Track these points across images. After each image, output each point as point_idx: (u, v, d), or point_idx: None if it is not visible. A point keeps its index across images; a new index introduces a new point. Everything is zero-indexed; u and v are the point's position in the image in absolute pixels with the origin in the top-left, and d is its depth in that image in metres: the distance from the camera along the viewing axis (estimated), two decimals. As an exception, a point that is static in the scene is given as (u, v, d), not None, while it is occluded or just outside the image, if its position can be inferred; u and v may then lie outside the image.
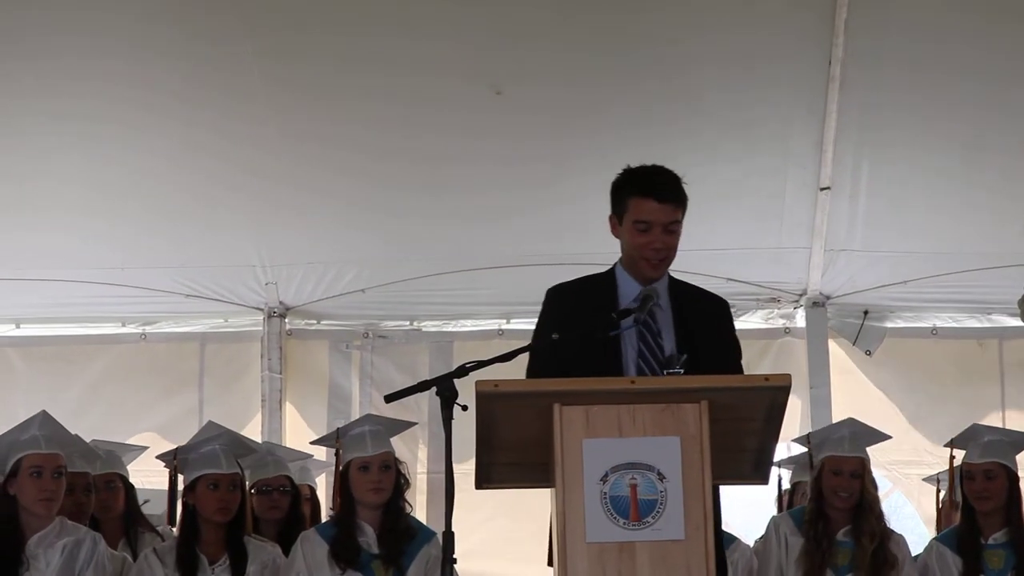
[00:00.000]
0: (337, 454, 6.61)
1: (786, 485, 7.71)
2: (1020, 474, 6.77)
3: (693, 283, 5.39)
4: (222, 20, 7.33)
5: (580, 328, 4.91)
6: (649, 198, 5.04)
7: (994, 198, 7.92)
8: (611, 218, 5.17)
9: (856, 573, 6.63)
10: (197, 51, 7.47)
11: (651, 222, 5.05)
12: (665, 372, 4.78)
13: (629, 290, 5.13)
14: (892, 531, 6.79)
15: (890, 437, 7.31)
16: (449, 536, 4.56)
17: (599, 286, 5.21)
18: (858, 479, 6.70)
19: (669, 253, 5.10)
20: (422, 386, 4.64)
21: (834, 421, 8.72)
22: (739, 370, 5.16)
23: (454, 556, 4.56)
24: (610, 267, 5.23)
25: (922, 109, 7.78)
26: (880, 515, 6.75)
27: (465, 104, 7.70)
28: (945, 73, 7.49)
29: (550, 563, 5.05)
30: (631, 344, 5.09)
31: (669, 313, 5.16)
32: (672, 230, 5.09)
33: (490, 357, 4.68)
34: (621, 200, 5.12)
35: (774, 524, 7.00)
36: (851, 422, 6.91)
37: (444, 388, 4.53)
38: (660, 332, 5.10)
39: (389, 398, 4.91)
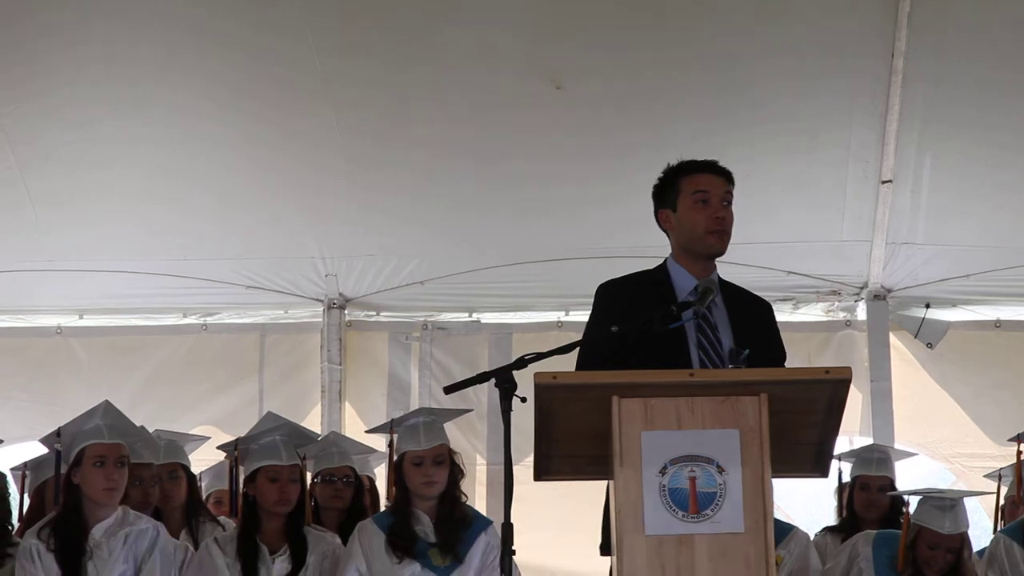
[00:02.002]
0: (391, 445, 6.66)
1: (846, 478, 7.70)
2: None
3: (750, 276, 5.41)
4: (285, 16, 7.38)
5: (639, 322, 4.93)
6: (704, 172, 5.14)
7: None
8: (659, 213, 5.22)
9: None
10: (261, 46, 7.52)
11: (709, 191, 5.10)
12: (730, 366, 4.82)
13: (684, 283, 5.14)
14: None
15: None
16: (508, 527, 4.57)
17: (653, 281, 5.23)
18: (954, 554, 6.56)
19: (728, 226, 5.13)
20: (481, 378, 4.65)
21: (897, 422, 8.75)
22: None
23: (513, 548, 4.56)
24: (660, 263, 5.25)
25: (985, 102, 7.74)
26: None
27: (525, 98, 7.72)
28: (1008, 66, 7.46)
29: (603, 553, 5.08)
30: (691, 338, 5.11)
31: (724, 310, 5.19)
32: (728, 202, 5.14)
33: (549, 349, 4.70)
34: (673, 186, 5.18)
35: (854, 543, 6.94)
36: (961, 508, 6.70)
37: (503, 380, 4.55)
38: (717, 327, 5.12)
39: (448, 389, 4.91)
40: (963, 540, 6.61)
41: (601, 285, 5.29)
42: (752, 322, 5.19)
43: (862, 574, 6.78)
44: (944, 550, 6.55)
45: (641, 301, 5.07)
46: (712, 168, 5.16)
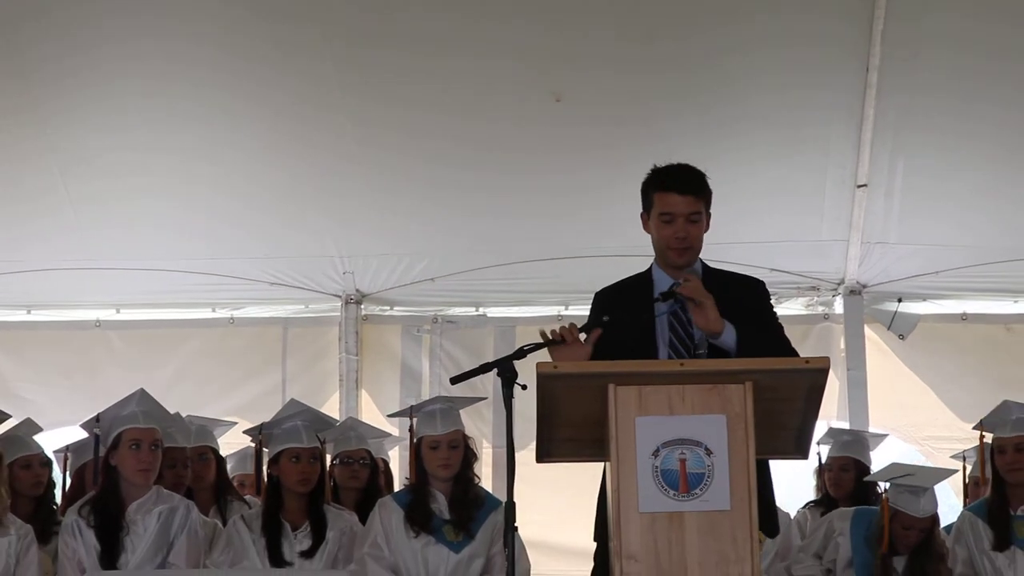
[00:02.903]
0: (411, 429, 6.67)
1: (825, 459, 7.71)
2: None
3: (741, 274, 5.40)
4: (306, 34, 7.40)
5: (623, 315, 4.97)
6: (671, 192, 5.09)
7: (1021, 194, 7.87)
8: (642, 216, 5.22)
9: None
10: (285, 63, 7.54)
11: (674, 213, 5.08)
12: (695, 353, 4.90)
13: (663, 284, 5.15)
14: (948, 569, 6.71)
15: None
16: (511, 506, 4.60)
17: (637, 283, 5.26)
18: (925, 532, 6.61)
19: (693, 242, 5.12)
20: (484, 368, 4.67)
21: (870, 407, 8.76)
22: (783, 340, 5.15)
23: (516, 525, 4.57)
24: (648, 267, 5.27)
25: (953, 112, 7.74)
26: (942, 558, 6.68)
27: (527, 112, 7.73)
28: (975, 79, 7.45)
29: (595, 538, 5.09)
30: (662, 333, 5.13)
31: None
32: (694, 220, 5.12)
33: (539, 341, 4.75)
34: (648, 197, 5.18)
35: (831, 520, 6.98)
36: (931, 492, 6.73)
37: (504, 369, 4.57)
38: (691, 321, 5.10)
39: (454, 380, 4.95)
40: (934, 519, 6.64)
41: (596, 292, 5.33)
42: (734, 305, 5.17)
43: (839, 548, 6.79)
44: (917, 530, 6.58)
45: (625, 302, 5.13)
46: (681, 187, 5.09)
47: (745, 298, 5.23)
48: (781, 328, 5.26)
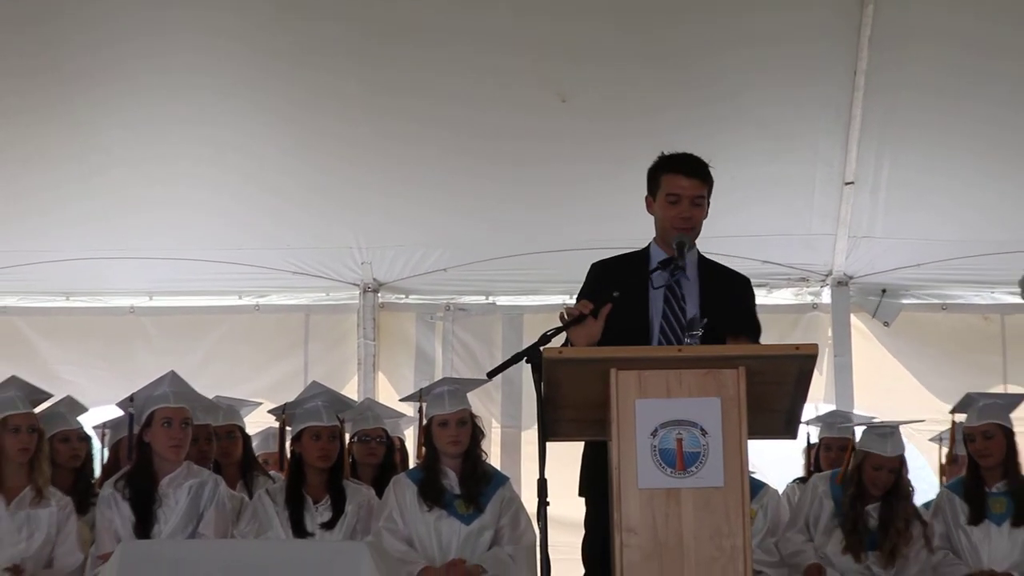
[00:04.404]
0: (421, 410, 6.67)
1: (814, 440, 7.73)
2: (1018, 429, 6.76)
3: (728, 264, 5.42)
4: (327, 34, 7.37)
5: (620, 287, 4.98)
6: (679, 174, 5.14)
7: (999, 193, 7.85)
8: (647, 198, 5.25)
9: (882, 547, 6.65)
10: (309, 64, 7.52)
11: (680, 195, 5.13)
12: (686, 334, 4.86)
13: (657, 261, 5.17)
14: (915, 509, 6.76)
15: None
16: (543, 483, 4.54)
17: (636, 258, 5.29)
18: (895, 473, 6.69)
19: (695, 223, 5.18)
20: (516, 358, 4.64)
21: (856, 390, 8.77)
22: (755, 341, 5.15)
23: (547, 500, 4.55)
24: (645, 245, 5.30)
25: (936, 114, 7.73)
26: (908, 496, 6.75)
27: (535, 111, 7.72)
28: (958, 82, 7.43)
29: (580, 494, 5.13)
30: (657, 308, 5.15)
31: (696, 285, 5.21)
32: (698, 203, 5.16)
33: (560, 325, 4.74)
34: (655, 179, 5.21)
35: (813, 484, 7.02)
36: (898, 435, 6.84)
37: (533, 356, 4.55)
38: (685, 298, 5.15)
39: (491, 374, 4.90)
40: (901, 461, 6.72)
41: (594, 263, 5.37)
42: (722, 296, 5.20)
43: (822, 504, 6.83)
44: (887, 470, 6.66)
45: (622, 275, 5.13)
46: (688, 170, 5.15)
47: (731, 292, 5.26)
48: (758, 328, 5.28)
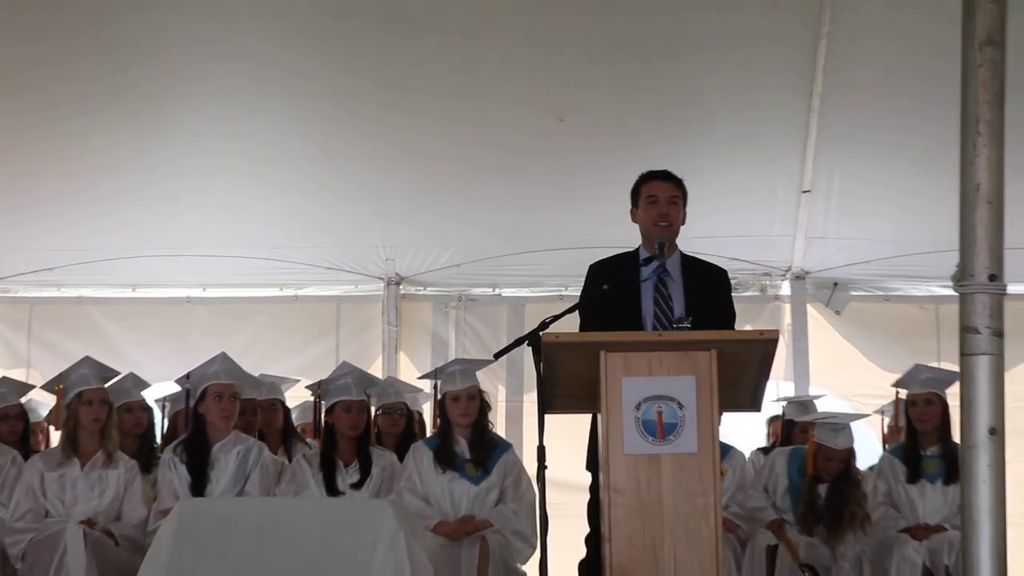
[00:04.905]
0: (436, 387, 6.67)
1: (777, 412, 7.76)
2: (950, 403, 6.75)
3: (710, 262, 5.44)
4: (351, 60, 7.35)
5: (617, 281, 5.01)
6: (657, 180, 5.27)
7: (932, 200, 7.79)
8: (631, 211, 5.34)
9: (833, 526, 6.62)
10: (334, 81, 7.50)
11: (658, 196, 5.22)
12: (675, 326, 4.88)
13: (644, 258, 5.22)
14: (864, 494, 6.71)
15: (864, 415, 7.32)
16: (541, 449, 4.55)
17: (626, 259, 5.33)
18: (844, 463, 6.65)
19: (673, 221, 5.23)
20: (518, 342, 4.65)
21: (811, 370, 8.76)
22: (731, 328, 5.20)
23: (545, 464, 4.55)
24: (634, 248, 5.34)
25: (880, 132, 7.72)
26: (857, 483, 6.69)
27: (537, 128, 7.72)
28: (900, 105, 7.42)
29: (587, 468, 5.12)
30: (647, 302, 5.16)
31: (680, 284, 5.23)
32: (674, 202, 5.22)
33: (557, 313, 4.74)
34: (637, 191, 5.31)
35: (773, 458, 7.00)
36: (846, 420, 6.82)
37: (533, 340, 4.56)
38: (671, 296, 5.18)
39: (497, 355, 4.94)
40: (850, 452, 6.69)
41: (591, 264, 5.39)
42: (704, 290, 5.21)
43: (779, 479, 6.83)
44: (837, 460, 6.62)
45: (615, 272, 5.19)
46: (663, 176, 5.26)
47: (711, 285, 5.27)
48: (734, 315, 5.29)
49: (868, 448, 7.42)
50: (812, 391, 8.55)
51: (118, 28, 7.10)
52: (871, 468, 7.05)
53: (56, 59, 7.19)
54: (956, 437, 6.65)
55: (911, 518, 6.67)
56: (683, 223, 5.29)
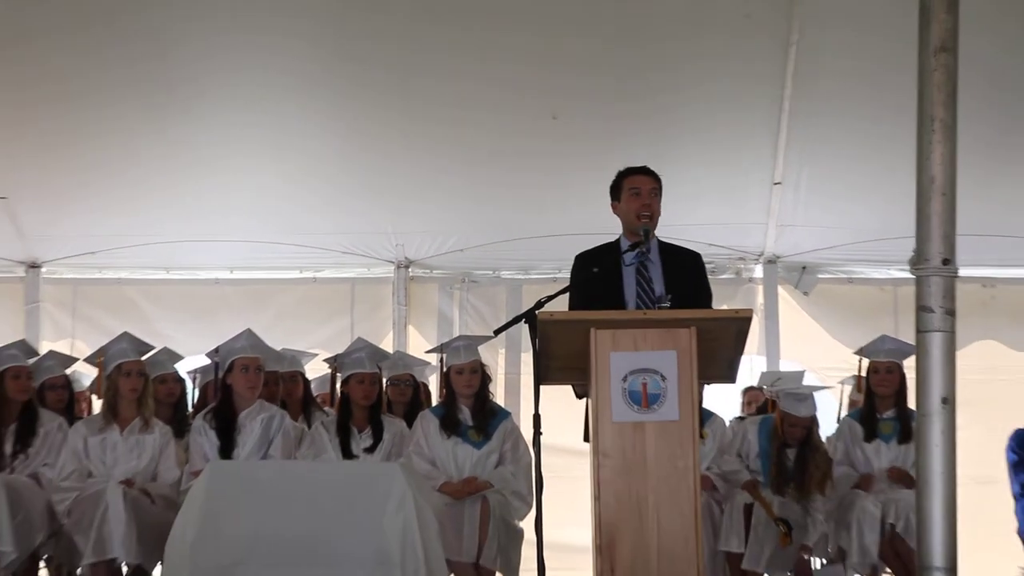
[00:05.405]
0: (441, 360, 6.67)
1: (753, 383, 7.78)
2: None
3: (685, 247, 5.44)
4: (364, 64, 7.30)
5: (601, 268, 5.00)
6: (639, 174, 5.23)
7: (891, 191, 7.76)
8: (613, 204, 5.30)
9: (801, 486, 6.64)
10: (356, 94, 7.48)
11: (640, 188, 5.18)
12: (656, 306, 4.87)
13: (625, 249, 5.22)
14: (827, 456, 6.72)
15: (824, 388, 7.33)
16: (537, 417, 4.55)
17: (608, 247, 5.30)
18: (807, 429, 6.67)
19: (653, 211, 5.20)
20: (516, 319, 4.65)
21: (781, 345, 8.77)
22: (708, 306, 5.19)
23: (540, 431, 4.55)
24: (616, 238, 5.32)
25: (844, 132, 7.70)
26: (818, 446, 6.71)
27: (534, 126, 7.68)
28: (861, 107, 7.41)
29: (585, 439, 5.11)
30: (630, 285, 5.15)
31: (659, 267, 5.22)
32: (654, 194, 5.21)
33: (551, 293, 4.74)
34: (619, 184, 5.27)
35: (744, 426, 7.00)
36: (810, 399, 6.83)
37: (530, 318, 4.56)
38: (652, 279, 5.16)
39: (497, 331, 4.94)
40: (813, 419, 6.72)
41: (577, 255, 5.39)
42: (681, 271, 5.21)
43: (751, 445, 6.85)
44: (800, 427, 6.65)
45: (599, 259, 5.18)
46: (644, 171, 5.24)
47: (688, 267, 5.28)
48: (710, 295, 5.30)
49: (831, 415, 7.44)
50: (782, 365, 8.57)
51: (146, 21, 6.98)
52: (834, 433, 7.08)
53: (95, 52, 7.08)
54: (911, 404, 6.75)
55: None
56: (659, 213, 5.29)
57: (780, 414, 6.67)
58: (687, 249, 5.39)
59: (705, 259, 5.51)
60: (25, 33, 6.90)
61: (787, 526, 6.35)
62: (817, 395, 6.91)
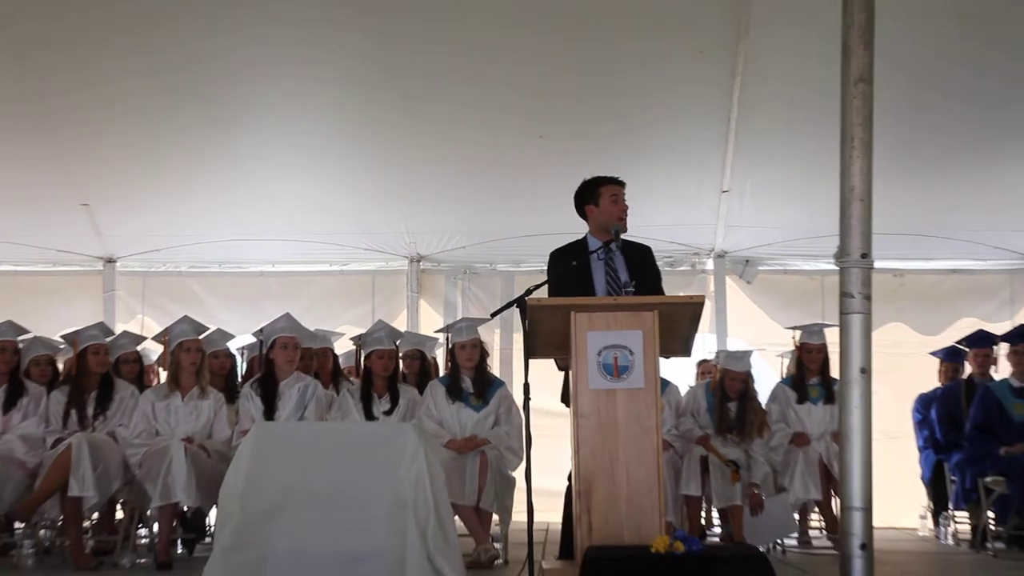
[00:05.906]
0: (447, 338, 6.67)
1: (707, 356, 7.79)
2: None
3: (645, 243, 5.45)
4: (386, 94, 7.24)
5: (574, 264, 5.00)
6: (615, 184, 5.24)
7: (819, 197, 7.76)
8: (587, 207, 5.27)
9: (741, 432, 6.70)
10: (376, 115, 7.42)
11: (618, 195, 5.21)
12: (623, 291, 4.87)
13: (595, 245, 5.24)
14: (760, 406, 6.81)
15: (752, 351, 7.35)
16: (527, 386, 4.57)
17: (578, 245, 5.29)
18: (743, 383, 6.76)
19: (626, 215, 5.21)
20: (509, 304, 4.66)
21: (728, 325, 8.78)
22: (660, 291, 5.20)
23: (530, 397, 4.55)
24: (583, 236, 5.32)
25: (780, 149, 7.69)
26: (754, 398, 6.78)
27: (522, 143, 7.66)
28: (798, 125, 7.39)
29: (562, 401, 5.12)
30: (600, 274, 5.16)
31: (622, 258, 5.23)
32: (625, 201, 5.20)
33: (538, 283, 4.78)
34: (594, 191, 5.26)
35: (694, 390, 7.06)
36: (746, 358, 6.89)
37: (521, 303, 4.56)
38: (617, 269, 5.17)
39: (493, 314, 4.94)
40: (748, 375, 6.81)
41: (551, 252, 5.39)
42: (640, 263, 5.23)
43: (699, 403, 6.91)
44: (739, 380, 6.74)
45: (571, 256, 5.18)
46: (620, 182, 5.26)
47: (642, 257, 5.30)
48: (659, 276, 5.30)
49: (770, 382, 7.47)
50: (729, 342, 8.58)
51: (209, 49, 6.77)
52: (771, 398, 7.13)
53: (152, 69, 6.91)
54: (833, 372, 6.83)
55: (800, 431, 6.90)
56: None
57: (721, 371, 6.74)
58: (640, 244, 5.41)
59: (665, 254, 5.54)
60: (101, 60, 6.83)
61: (735, 466, 6.44)
62: (755, 366, 6.98)
